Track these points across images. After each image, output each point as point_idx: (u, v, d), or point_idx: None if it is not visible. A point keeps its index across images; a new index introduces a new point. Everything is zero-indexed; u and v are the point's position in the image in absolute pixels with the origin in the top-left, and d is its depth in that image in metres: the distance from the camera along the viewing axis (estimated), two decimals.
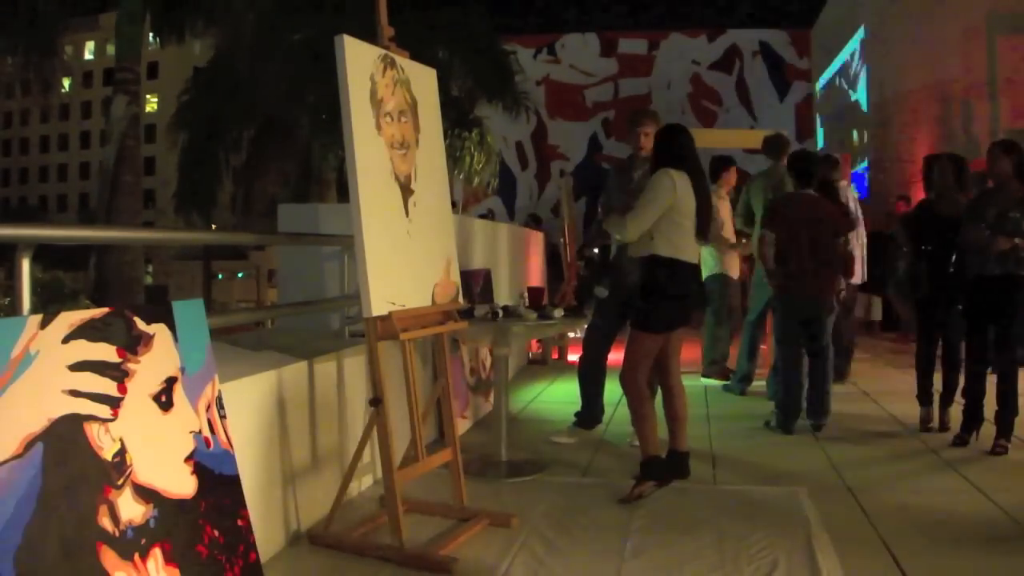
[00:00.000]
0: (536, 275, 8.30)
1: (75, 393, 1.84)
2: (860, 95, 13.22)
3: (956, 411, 4.36)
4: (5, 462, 1.66)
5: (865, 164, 12.97)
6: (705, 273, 5.15)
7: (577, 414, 4.49)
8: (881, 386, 5.99)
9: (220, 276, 41.85)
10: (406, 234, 3.02)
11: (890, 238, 5.98)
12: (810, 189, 4.68)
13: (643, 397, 3.55)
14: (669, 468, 3.60)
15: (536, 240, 8.84)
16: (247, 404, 2.59)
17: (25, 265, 2.08)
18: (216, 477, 2.16)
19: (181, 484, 2.06)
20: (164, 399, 2.07)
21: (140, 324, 2.07)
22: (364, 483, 3.45)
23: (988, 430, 4.13)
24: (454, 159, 11.32)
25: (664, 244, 3.51)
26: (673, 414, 3.65)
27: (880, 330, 9.31)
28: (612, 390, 4.68)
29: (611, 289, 4.32)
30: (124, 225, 9.53)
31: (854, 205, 5.99)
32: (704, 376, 6.19)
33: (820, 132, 16.65)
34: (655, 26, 18.07)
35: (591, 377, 4.47)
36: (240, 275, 43.52)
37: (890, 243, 7.11)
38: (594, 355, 4.46)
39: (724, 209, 6.08)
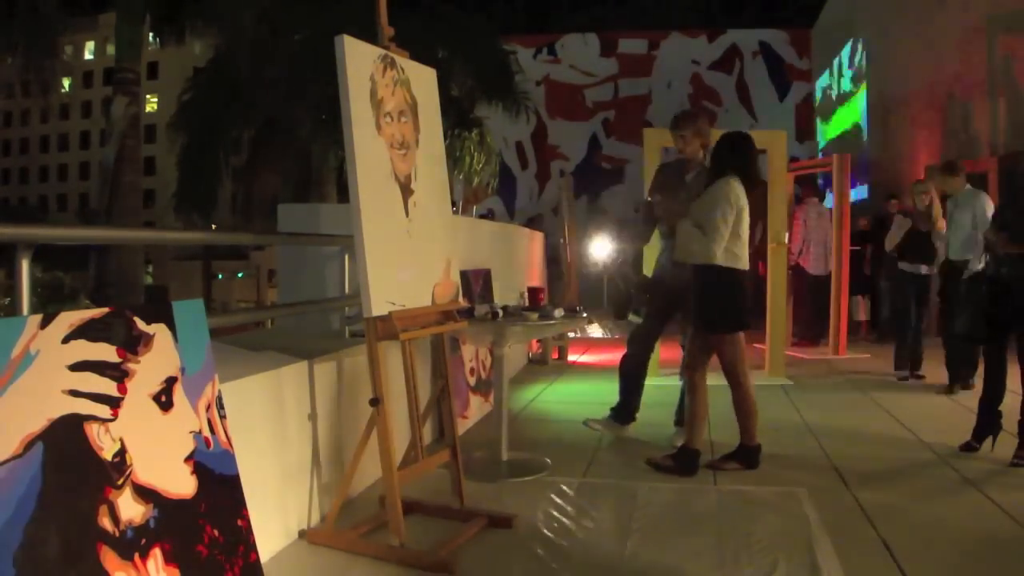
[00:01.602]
0: (536, 275, 8.31)
1: (75, 393, 1.84)
2: (860, 95, 13.22)
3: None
4: (5, 462, 1.66)
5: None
6: None
7: (613, 409, 4.47)
8: (882, 385, 5.99)
9: (220, 276, 41.86)
10: (406, 234, 3.02)
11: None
12: None
13: (702, 395, 3.86)
14: (741, 459, 3.87)
15: (536, 240, 8.85)
16: (247, 404, 2.59)
17: (25, 265, 2.08)
18: (216, 477, 2.16)
19: (181, 484, 2.06)
20: (164, 399, 2.07)
21: (140, 324, 2.07)
22: (364, 483, 3.45)
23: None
24: (454, 159, 11.32)
25: (724, 254, 3.69)
26: (744, 412, 3.90)
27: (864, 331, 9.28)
28: (610, 390, 4.63)
29: (654, 292, 4.37)
30: (124, 225, 9.54)
31: None
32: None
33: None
34: (655, 26, 18.09)
35: (633, 375, 4.45)
36: (240, 275, 43.53)
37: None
38: (639, 354, 4.44)
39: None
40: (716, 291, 3.77)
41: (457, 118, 11.55)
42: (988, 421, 4.06)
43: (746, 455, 3.87)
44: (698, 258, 3.75)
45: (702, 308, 3.83)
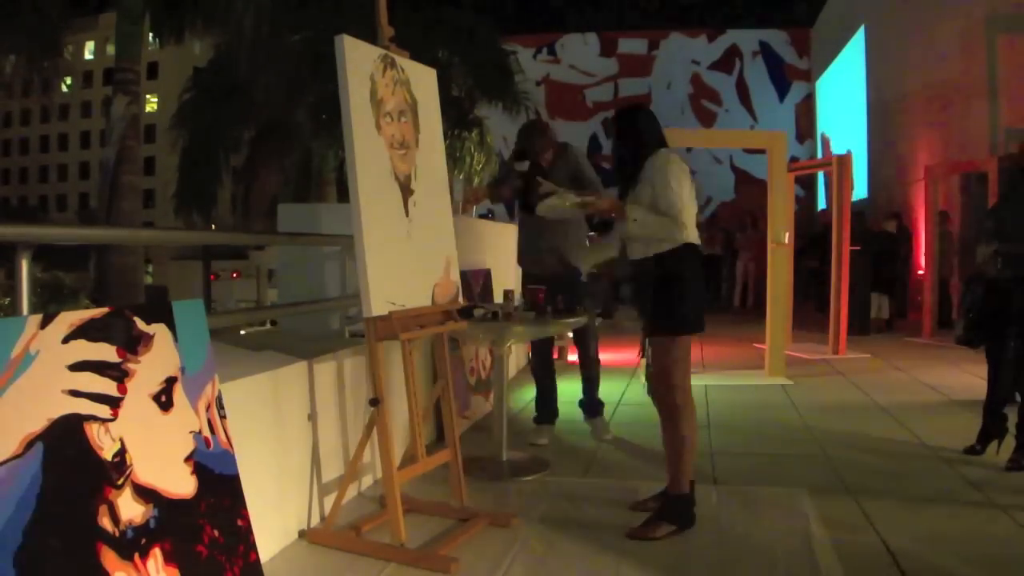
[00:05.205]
0: None
1: (75, 393, 1.84)
2: (860, 95, 13.21)
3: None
4: (5, 462, 1.66)
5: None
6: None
7: (538, 414, 4.50)
8: (882, 386, 5.99)
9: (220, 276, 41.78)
10: (406, 234, 3.02)
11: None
12: None
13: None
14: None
15: None
16: (247, 404, 2.59)
17: (25, 265, 2.09)
18: (216, 477, 2.16)
19: (181, 484, 2.06)
20: (164, 399, 2.07)
21: (140, 324, 2.07)
22: (364, 483, 3.45)
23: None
24: (454, 159, 11.34)
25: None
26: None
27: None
28: (613, 391, 4.69)
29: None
30: (124, 225, 9.53)
31: None
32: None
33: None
34: (655, 26, 18.10)
35: (549, 375, 4.53)
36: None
37: None
38: (545, 355, 4.54)
39: None
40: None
41: (457, 118, 11.57)
42: (993, 424, 4.02)
43: (672, 508, 2.95)
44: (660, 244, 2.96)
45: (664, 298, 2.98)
